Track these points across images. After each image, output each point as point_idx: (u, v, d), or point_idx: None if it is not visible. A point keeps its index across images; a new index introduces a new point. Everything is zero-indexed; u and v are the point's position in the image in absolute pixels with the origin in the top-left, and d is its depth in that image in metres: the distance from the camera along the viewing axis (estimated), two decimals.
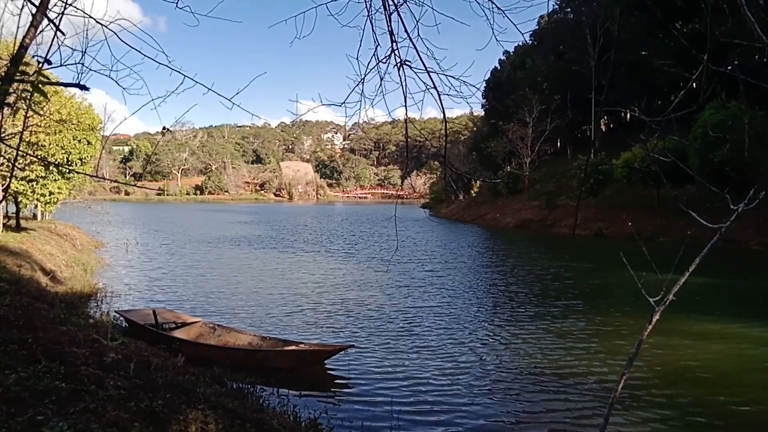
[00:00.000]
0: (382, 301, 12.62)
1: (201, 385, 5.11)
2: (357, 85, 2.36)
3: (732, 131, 23.23)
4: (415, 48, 2.23)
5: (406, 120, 2.51)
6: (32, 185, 16.36)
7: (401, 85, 2.31)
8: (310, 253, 23.20)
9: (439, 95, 2.30)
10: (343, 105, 2.43)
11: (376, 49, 2.30)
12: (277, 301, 12.46)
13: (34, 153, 14.72)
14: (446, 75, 2.29)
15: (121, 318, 8.90)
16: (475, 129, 68.36)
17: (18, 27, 1.90)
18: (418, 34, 2.27)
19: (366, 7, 2.25)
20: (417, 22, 2.26)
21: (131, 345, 6.11)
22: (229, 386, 6.04)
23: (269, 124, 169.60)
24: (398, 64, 2.27)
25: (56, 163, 16.02)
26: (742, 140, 23.10)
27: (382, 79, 2.36)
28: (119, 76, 2.25)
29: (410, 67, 2.27)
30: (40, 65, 1.93)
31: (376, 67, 2.33)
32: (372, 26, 2.28)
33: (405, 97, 2.35)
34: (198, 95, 2.35)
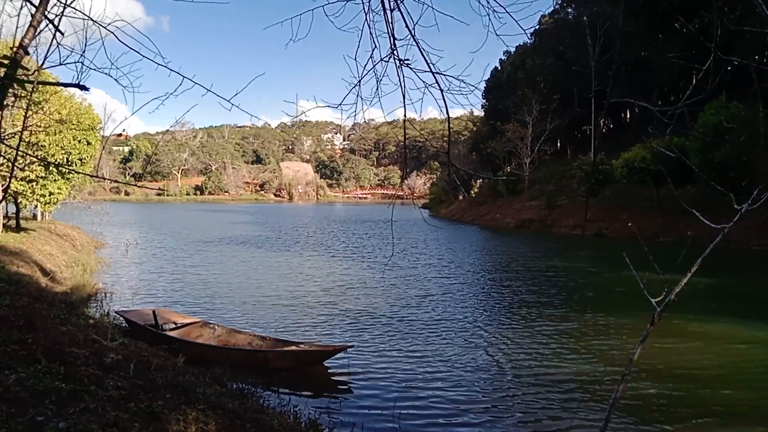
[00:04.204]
0: (382, 301, 12.62)
1: (201, 386, 5.10)
2: (354, 86, 2.35)
3: (733, 131, 23.23)
4: (418, 45, 2.23)
5: (404, 120, 2.50)
6: (32, 185, 16.36)
7: (400, 85, 2.30)
8: (310, 254, 23.20)
9: (442, 93, 2.29)
10: (340, 107, 2.42)
11: (373, 50, 2.30)
12: (277, 302, 12.46)
13: (34, 153, 14.72)
14: (446, 75, 2.28)
15: (121, 318, 8.90)
16: (475, 129, 68.35)
17: (17, 27, 1.89)
18: (416, 31, 2.26)
19: (364, 9, 2.24)
20: (416, 21, 2.26)
21: (131, 345, 6.11)
22: (229, 386, 6.04)
23: (269, 125, 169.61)
24: (399, 65, 2.27)
25: (56, 163, 16.01)
26: (742, 139, 23.08)
27: (378, 81, 2.35)
28: (119, 75, 2.25)
29: (410, 67, 2.26)
30: (40, 66, 1.93)
31: (373, 69, 2.33)
32: (370, 27, 2.27)
33: (404, 97, 2.35)
34: (198, 95, 2.34)
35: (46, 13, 1.80)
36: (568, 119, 44.26)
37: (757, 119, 23.97)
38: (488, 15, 2.27)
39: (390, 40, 2.25)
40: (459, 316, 11.01)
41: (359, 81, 2.33)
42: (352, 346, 7.96)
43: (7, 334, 4.33)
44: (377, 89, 2.39)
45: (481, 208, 49.56)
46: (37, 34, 1.77)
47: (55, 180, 16.88)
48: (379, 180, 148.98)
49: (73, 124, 16.49)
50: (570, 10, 48.75)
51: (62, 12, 1.99)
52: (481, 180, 51.90)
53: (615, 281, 15.24)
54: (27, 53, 1.79)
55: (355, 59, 2.32)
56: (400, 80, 2.29)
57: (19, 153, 9.78)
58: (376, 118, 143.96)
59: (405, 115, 2.45)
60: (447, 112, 2.40)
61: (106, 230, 27.16)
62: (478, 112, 63.67)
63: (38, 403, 3.06)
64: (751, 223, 22.11)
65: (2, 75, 1.75)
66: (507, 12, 2.23)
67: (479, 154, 56.71)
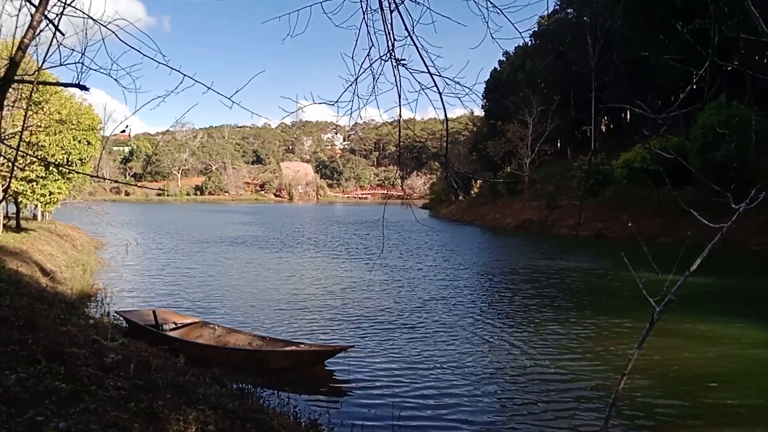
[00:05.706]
0: (382, 302, 12.61)
1: (201, 386, 5.10)
2: (350, 84, 2.36)
3: (732, 131, 23.23)
4: (416, 46, 2.23)
5: (399, 120, 2.51)
6: (32, 185, 16.36)
7: (396, 85, 2.31)
8: (312, 255, 23.20)
9: (440, 95, 2.29)
10: (336, 104, 2.43)
11: (370, 49, 2.30)
12: (277, 302, 12.46)
13: (34, 153, 14.72)
14: (443, 76, 2.29)
15: (121, 318, 8.90)
16: (475, 129, 68.35)
17: (16, 27, 1.89)
18: (415, 32, 2.26)
19: (362, 7, 2.24)
20: (415, 22, 2.26)
21: (131, 345, 6.10)
22: (229, 387, 6.04)
23: (269, 125, 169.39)
24: (395, 65, 2.27)
25: (56, 163, 16.01)
26: (741, 140, 23.09)
27: (375, 79, 2.35)
28: (120, 74, 2.25)
29: (406, 67, 2.27)
30: (40, 66, 1.93)
31: (370, 67, 2.33)
32: (368, 26, 2.28)
33: (399, 98, 2.35)
34: (199, 94, 2.34)
35: (46, 13, 1.80)
36: (569, 119, 44.20)
37: (750, 123, 23.98)
38: (486, 17, 2.27)
39: (387, 40, 2.25)
40: (460, 317, 11.00)
41: (356, 79, 2.33)
42: (353, 347, 7.96)
43: (7, 334, 4.33)
44: (374, 87, 2.39)
45: (482, 208, 49.58)
46: (37, 34, 1.77)
47: (55, 180, 16.88)
48: (379, 180, 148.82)
49: (73, 125, 16.48)
50: (570, 10, 48.72)
51: (62, 12, 1.99)
52: (481, 180, 51.89)
53: (616, 282, 15.24)
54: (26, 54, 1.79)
55: (352, 57, 2.32)
56: (396, 80, 2.30)
57: (20, 153, 9.79)
58: (376, 118, 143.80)
59: (400, 115, 2.45)
60: (445, 114, 2.40)
61: (106, 230, 27.16)
62: (479, 112, 63.71)
63: (38, 404, 3.06)
64: (750, 223, 22.11)
65: (2, 75, 1.75)
66: (503, 13, 2.23)
67: (479, 154, 56.68)
